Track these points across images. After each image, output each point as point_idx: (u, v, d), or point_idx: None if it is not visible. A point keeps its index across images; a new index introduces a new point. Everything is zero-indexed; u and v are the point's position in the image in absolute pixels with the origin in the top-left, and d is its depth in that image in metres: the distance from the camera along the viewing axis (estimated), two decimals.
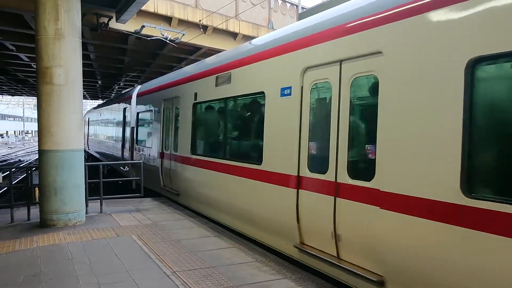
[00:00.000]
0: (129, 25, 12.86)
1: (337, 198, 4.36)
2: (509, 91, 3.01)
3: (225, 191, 6.82)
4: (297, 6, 18.39)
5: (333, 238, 4.39)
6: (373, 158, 3.95)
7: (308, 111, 4.90)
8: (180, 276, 4.65)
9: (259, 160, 5.77)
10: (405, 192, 3.56)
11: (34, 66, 8.48)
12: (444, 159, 3.25)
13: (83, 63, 7.68)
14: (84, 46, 14.65)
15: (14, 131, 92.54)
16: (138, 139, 12.76)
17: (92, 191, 9.12)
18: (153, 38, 13.43)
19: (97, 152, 22.39)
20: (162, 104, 10.32)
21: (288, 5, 18.34)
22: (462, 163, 3.11)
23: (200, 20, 14.11)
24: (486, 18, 3.02)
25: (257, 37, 10.05)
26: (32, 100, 65.33)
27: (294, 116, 5.06)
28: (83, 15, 8.32)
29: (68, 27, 7.05)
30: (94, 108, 28.84)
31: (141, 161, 10.59)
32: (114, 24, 12.40)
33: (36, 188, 8.04)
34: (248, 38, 15.02)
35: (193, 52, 17.08)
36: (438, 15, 3.38)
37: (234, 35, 16.01)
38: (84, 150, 27.71)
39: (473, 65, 3.10)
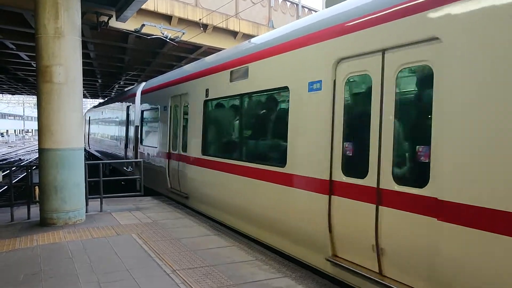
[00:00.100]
0: (129, 24, 12.84)
1: (379, 207, 3.83)
2: None
3: (240, 195, 6.30)
4: (297, 4, 18.37)
5: (374, 251, 3.87)
6: (426, 161, 3.43)
7: (342, 107, 4.34)
8: (180, 275, 4.65)
9: (281, 162, 5.26)
10: (477, 203, 3.01)
11: (34, 65, 8.48)
12: None
13: (83, 62, 7.68)
14: (84, 45, 14.64)
15: (14, 130, 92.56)
16: (143, 138, 12.22)
17: (93, 190, 9.13)
18: (153, 36, 13.41)
19: (99, 152, 22.13)
20: (169, 102, 9.77)
21: (288, 3, 18.31)
22: None
23: (200, 19, 14.08)
24: None
25: (257, 36, 9.83)
26: (32, 99, 65.30)
27: (325, 113, 4.51)
28: (83, 13, 8.32)
29: (68, 26, 7.05)
30: (95, 106, 28.53)
31: (141, 159, 10.58)
32: (114, 23, 12.39)
33: (36, 187, 8.04)
34: (248, 36, 15.00)
35: (193, 51, 17.06)
36: None
37: (234, 34, 15.99)
38: (85, 149, 27.61)
39: None
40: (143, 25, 12.81)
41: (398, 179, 3.70)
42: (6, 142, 66.13)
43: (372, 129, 3.94)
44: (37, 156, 7.67)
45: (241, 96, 6.47)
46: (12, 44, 15.57)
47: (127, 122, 14.48)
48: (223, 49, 11.43)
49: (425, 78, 3.54)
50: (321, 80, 4.61)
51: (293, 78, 5.12)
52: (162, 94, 10.34)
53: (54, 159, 7.03)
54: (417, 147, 3.56)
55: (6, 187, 16.71)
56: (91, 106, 36.33)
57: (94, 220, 7.48)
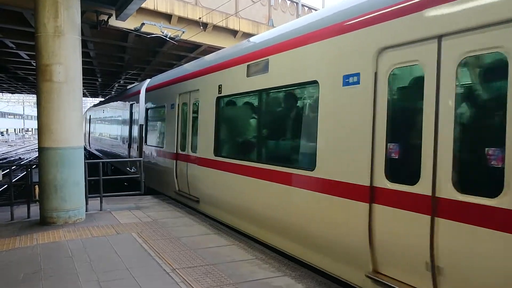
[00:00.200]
0: (129, 23, 12.83)
1: (436, 218, 3.31)
2: None
3: (260, 200, 5.74)
4: (297, 3, 18.36)
5: (428, 270, 3.36)
6: (499, 166, 2.94)
7: (385, 104, 3.81)
8: (180, 274, 4.65)
9: (310, 165, 4.71)
10: None
11: (34, 64, 8.47)
12: None
13: (83, 60, 7.68)
14: (84, 44, 14.63)
15: (14, 129, 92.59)
16: (148, 138, 11.65)
17: (94, 190, 9.13)
18: (153, 35, 13.39)
19: (100, 151, 21.76)
20: (177, 99, 9.18)
21: (288, 2, 18.28)
22: None
23: (200, 18, 14.07)
24: None
25: (257, 34, 9.56)
26: (32, 98, 65.28)
27: (364, 110, 3.99)
28: (82, 12, 8.32)
29: (68, 25, 7.04)
30: (96, 104, 28.15)
31: (141, 158, 10.58)
32: (114, 22, 12.38)
33: (36, 186, 8.05)
34: (248, 35, 14.98)
35: (193, 50, 17.05)
36: None
37: (234, 32, 15.97)
38: (85, 148, 27.38)
39: None
40: (143, 24, 12.79)
41: (461, 187, 3.18)
42: (6, 141, 66.17)
43: (426, 128, 3.41)
44: (37, 155, 7.67)
45: (260, 92, 5.91)
46: (12, 43, 15.55)
47: (131, 121, 14.06)
48: (223, 48, 11.37)
49: (497, 68, 3.02)
50: (359, 73, 4.09)
51: (324, 71, 4.57)
52: (169, 91, 9.81)
53: (54, 158, 7.03)
54: (487, 149, 3.04)
55: (6, 186, 16.75)
56: (92, 105, 36.16)
57: (94, 219, 7.48)
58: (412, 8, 3.59)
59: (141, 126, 12.24)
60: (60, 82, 7.01)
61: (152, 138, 11.29)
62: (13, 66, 21.22)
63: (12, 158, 33.96)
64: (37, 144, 7.45)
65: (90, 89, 35.23)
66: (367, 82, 3.98)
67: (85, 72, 10.58)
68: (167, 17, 13.98)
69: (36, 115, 7.36)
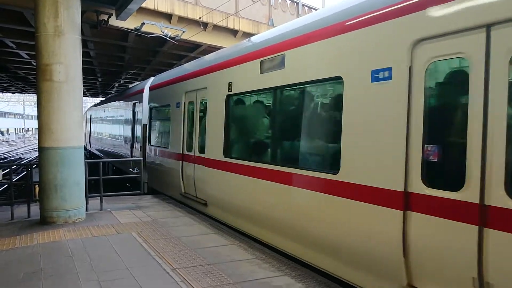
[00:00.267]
0: (129, 22, 12.83)
1: (486, 229, 2.99)
2: None
3: (274, 204, 5.39)
4: (297, 3, 18.37)
5: (475, 286, 3.07)
6: None
7: (421, 101, 3.47)
8: (180, 273, 4.65)
9: (333, 168, 4.36)
10: None
11: (34, 63, 8.47)
12: None
13: (83, 60, 7.68)
14: (84, 44, 14.64)
15: (15, 129, 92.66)
16: (152, 138, 11.26)
17: (95, 189, 9.13)
18: (153, 35, 13.39)
19: (101, 151, 21.44)
20: (183, 98, 8.79)
21: (289, 2, 18.29)
22: None
23: (200, 17, 14.07)
24: None
25: (257, 34, 9.39)
26: (33, 98, 65.32)
27: (396, 108, 3.66)
28: (83, 12, 8.32)
29: (68, 24, 7.05)
30: (97, 104, 27.80)
31: (141, 158, 10.57)
32: (114, 21, 12.38)
33: (36, 185, 8.06)
34: (248, 35, 14.99)
35: (193, 49, 17.05)
36: None
37: (234, 32, 15.97)
38: (86, 148, 27.19)
39: None
40: (143, 23, 12.79)
41: None
42: (6, 141, 66.22)
43: (472, 128, 3.09)
44: (37, 154, 7.67)
45: (275, 89, 5.57)
46: (12, 43, 15.56)
47: (133, 120, 13.65)
48: (223, 47, 11.33)
49: None
50: (390, 68, 3.75)
51: (349, 66, 4.23)
52: (174, 89, 9.41)
53: (54, 158, 7.03)
54: None
55: (6, 185, 16.79)
56: (92, 104, 36.02)
57: (94, 218, 7.48)
58: None
59: (144, 125, 11.92)
60: (60, 81, 7.01)
61: (157, 138, 10.96)
62: (13, 65, 21.23)
63: (12, 158, 33.97)
64: (37, 144, 7.45)
65: (90, 88, 35.24)
66: (400, 77, 3.65)
67: (85, 71, 10.59)
68: (167, 16, 13.99)
69: (36, 114, 7.36)
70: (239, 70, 6.46)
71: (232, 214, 6.66)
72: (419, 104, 3.49)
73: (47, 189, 7.06)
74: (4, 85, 32.87)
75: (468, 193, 3.10)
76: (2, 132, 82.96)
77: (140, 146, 12.25)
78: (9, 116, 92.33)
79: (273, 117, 5.74)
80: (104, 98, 29.14)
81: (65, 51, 7.03)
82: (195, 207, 8.16)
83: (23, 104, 78.92)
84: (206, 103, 7.65)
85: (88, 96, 46.17)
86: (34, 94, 44.35)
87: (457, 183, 3.17)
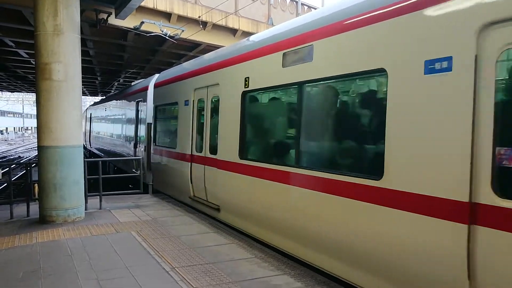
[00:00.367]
0: (128, 21, 12.83)
1: None
2: None
3: (303, 213, 4.85)
4: (296, 2, 18.37)
5: None
6: None
7: (491, 95, 2.96)
8: (179, 272, 4.65)
9: (375, 173, 3.84)
10: None
11: (33, 62, 8.46)
12: None
13: (82, 59, 7.68)
14: (83, 43, 14.61)
15: (14, 128, 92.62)
16: (157, 137, 10.75)
17: (95, 189, 9.13)
18: (152, 34, 13.39)
19: (102, 151, 20.99)
20: (192, 95, 8.26)
21: (288, 1, 18.29)
22: None
23: (199, 16, 14.07)
24: None
25: (257, 33, 9.00)
26: (32, 97, 65.24)
27: (458, 104, 3.14)
28: (82, 11, 8.32)
29: (67, 23, 7.04)
30: (97, 102, 27.32)
31: (140, 157, 10.55)
32: (113, 20, 12.37)
33: (36, 184, 8.06)
34: (247, 34, 14.99)
35: (192, 49, 17.05)
36: None
37: (233, 31, 15.98)
38: (86, 148, 26.88)
39: None
40: (142, 22, 12.79)
41: None
42: (5, 140, 66.17)
43: None
44: (37, 153, 7.67)
45: (300, 85, 5.02)
46: (11, 42, 15.56)
47: (137, 119, 13.16)
48: (222, 46, 11.27)
49: None
50: (450, 57, 3.23)
51: (396, 57, 3.71)
52: (182, 86, 8.89)
53: (53, 157, 7.03)
54: None
55: (5, 184, 16.78)
56: (92, 103, 35.74)
57: (93, 217, 7.48)
58: None
59: (149, 124, 11.47)
60: (59, 80, 7.00)
61: (162, 138, 10.45)
62: (13, 64, 21.23)
63: (11, 157, 33.94)
64: (36, 143, 7.45)
65: (89, 87, 35.25)
66: (463, 68, 3.13)
67: (84, 70, 10.58)
68: (167, 15, 13.99)
69: (35, 113, 7.36)
70: (257, 65, 5.96)
71: (251, 222, 6.07)
72: (488, 99, 2.96)
73: (46, 188, 7.05)
74: (4, 84, 32.86)
75: None
76: (2, 131, 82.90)
77: (145, 146, 11.79)
78: (8, 115, 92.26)
79: (298, 115, 5.11)
80: (105, 97, 28.95)
81: (64, 50, 7.02)
82: (206, 211, 7.66)
83: (23, 103, 78.85)
84: (218, 100, 7.16)
85: (87, 95, 46.18)
86: (33, 93, 44.30)
87: None
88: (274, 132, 6.06)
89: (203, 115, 7.81)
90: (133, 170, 12.50)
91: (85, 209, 7.73)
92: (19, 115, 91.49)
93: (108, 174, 16.19)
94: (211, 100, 7.49)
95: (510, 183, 2.91)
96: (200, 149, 7.86)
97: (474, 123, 3.04)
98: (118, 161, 15.56)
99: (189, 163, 8.20)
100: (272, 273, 4.67)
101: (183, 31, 13.64)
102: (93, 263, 4.97)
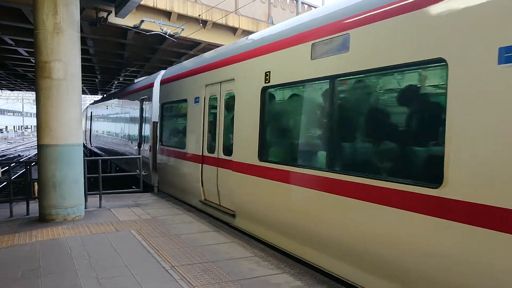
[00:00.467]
0: (128, 20, 12.82)
1: None
2: None
3: (339, 223, 4.31)
4: (297, 1, 18.36)
5: None
6: None
7: None
8: (179, 271, 4.65)
9: (431, 180, 3.34)
10: None
11: (33, 61, 8.45)
12: None
13: (82, 58, 7.67)
14: (83, 41, 14.61)
15: (14, 126, 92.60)
16: (163, 137, 10.22)
17: (95, 187, 9.13)
18: (152, 33, 13.38)
19: (103, 150, 20.51)
20: (204, 92, 7.73)
21: (288, 0, 18.29)
22: None
23: (199, 15, 14.07)
24: None
25: (257, 32, 8.73)
26: (32, 95, 65.23)
27: None
28: (82, 9, 8.31)
29: (67, 21, 7.03)
30: (98, 100, 27.12)
31: (140, 156, 10.52)
32: (113, 19, 12.37)
33: (35, 183, 8.06)
34: (247, 33, 14.97)
35: (192, 47, 17.04)
36: None
37: (233, 30, 15.97)
38: (86, 147, 26.61)
39: None
40: (142, 21, 12.78)
41: None
42: (5, 138, 66.13)
43: None
44: (36, 152, 7.67)
45: (333, 78, 4.48)
46: (11, 40, 15.55)
47: (141, 118, 12.67)
48: (223, 45, 11.16)
49: None
50: None
51: (458, 44, 3.15)
52: (192, 82, 8.33)
53: (53, 155, 7.02)
54: None
55: (5, 183, 16.74)
56: (92, 101, 35.57)
57: (93, 216, 7.48)
58: None
59: (154, 123, 11.00)
60: (59, 79, 6.99)
61: (170, 137, 9.92)
62: (12, 63, 21.21)
63: (11, 155, 33.93)
64: (36, 142, 7.45)
65: (89, 86, 35.23)
66: None
67: (84, 69, 10.56)
68: (167, 14, 13.98)
69: (35, 112, 7.35)
70: (280, 57, 5.41)
71: (276, 231, 5.52)
72: None
73: (46, 187, 7.05)
74: (3, 82, 32.83)
75: None
76: (1, 130, 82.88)
77: (150, 146, 11.34)
78: (8, 113, 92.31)
79: (331, 113, 4.55)
80: (106, 95, 28.79)
81: (64, 49, 7.01)
82: (219, 217, 7.15)
83: (22, 101, 78.82)
84: (233, 97, 6.63)
85: (87, 94, 46.16)
86: (33, 92, 44.27)
87: None
88: (301, 133, 5.36)
89: (216, 113, 7.28)
90: (137, 170, 12.27)
91: (85, 208, 7.73)
92: (19, 114, 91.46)
93: (109, 173, 16.14)
94: (225, 96, 6.98)
95: None
96: (212, 149, 7.38)
97: None
98: (119, 161, 15.43)
99: (200, 164, 7.72)
100: (271, 271, 4.67)
101: (183, 29, 13.63)
102: (93, 262, 4.96)
